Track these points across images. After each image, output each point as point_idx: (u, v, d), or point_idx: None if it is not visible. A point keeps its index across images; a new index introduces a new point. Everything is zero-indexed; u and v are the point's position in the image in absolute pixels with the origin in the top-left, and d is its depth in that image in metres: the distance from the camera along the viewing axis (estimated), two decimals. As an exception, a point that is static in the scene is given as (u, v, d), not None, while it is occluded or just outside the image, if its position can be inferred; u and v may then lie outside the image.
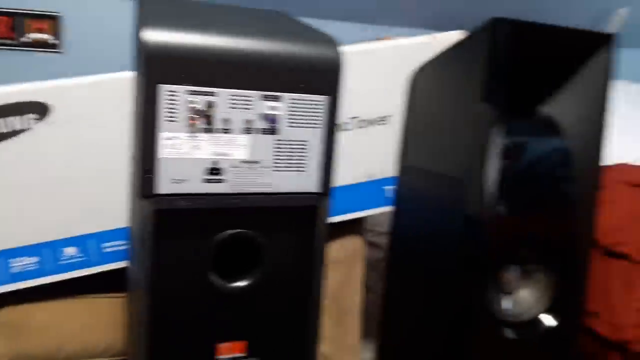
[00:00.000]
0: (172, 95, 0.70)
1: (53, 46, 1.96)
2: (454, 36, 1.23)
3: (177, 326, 0.79)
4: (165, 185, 0.73)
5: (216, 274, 0.80)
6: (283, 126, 0.77)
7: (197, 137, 0.73)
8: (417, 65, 1.08)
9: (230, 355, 0.83)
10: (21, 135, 1.02)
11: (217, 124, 0.73)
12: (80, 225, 1.09)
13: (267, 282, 0.82)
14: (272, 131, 0.77)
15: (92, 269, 1.13)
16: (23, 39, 1.92)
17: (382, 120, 1.25)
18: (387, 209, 1.23)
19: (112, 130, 1.06)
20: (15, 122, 1.02)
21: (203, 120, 0.72)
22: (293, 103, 0.77)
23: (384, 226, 1.23)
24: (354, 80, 1.20)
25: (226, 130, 0.74)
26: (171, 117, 0.71)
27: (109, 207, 1.09)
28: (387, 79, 1.22)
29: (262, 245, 0.81)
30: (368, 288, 1.52)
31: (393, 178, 1.20)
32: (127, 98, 0.98)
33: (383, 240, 1.24)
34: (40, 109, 1.02)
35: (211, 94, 0.72)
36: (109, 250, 1.13)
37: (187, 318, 0.80)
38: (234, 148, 0.75)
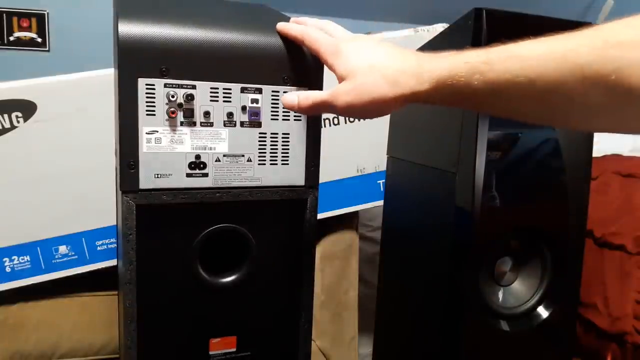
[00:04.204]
0: (151, 88, 0.70)
1: (39, 44, 1.96)
2: (439, 28, 1.23)
3: (167, 322, 0.79)
4: (147, 180, 0.72)
5: (203, 269, 0.79)
6: (266, 119, 0.77)
7: (178, 130, 0.72)
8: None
9: (222, 351, 0.83)
10: (8, 134, 1.03)
11: (198, 117, 0.73)
12: (73, 224, 1.10)
13: (256, 276, 0.82)
14: (254, 124, 0.76)
15: (87, 267, 1.13)
16: (8, 38, 1.93)
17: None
18: (381, 202, 1.23)
19: (99, 126, 1.06)
20: (1, 120, 1.02)
21: (183, 113, 0.72)
22: (275, 95, 0.76)
23: (379, 221, 1.22)
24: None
25: (208, 124, 0.74)
26: (151, 111, 0.71)
27: (101, 204, 1.09)
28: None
29: (249, 239, 0.81)
30: (365, 282, 1.52)
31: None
32: (113, 95, 0.98)
33: (379, 235, 1.23)
34: (26, 107, 1.02)
35: (190, 86, 0.72)
36: (102, 248, 1.13)
37: (177, 314, 0.79)
38: (217, 141, 0.75)
